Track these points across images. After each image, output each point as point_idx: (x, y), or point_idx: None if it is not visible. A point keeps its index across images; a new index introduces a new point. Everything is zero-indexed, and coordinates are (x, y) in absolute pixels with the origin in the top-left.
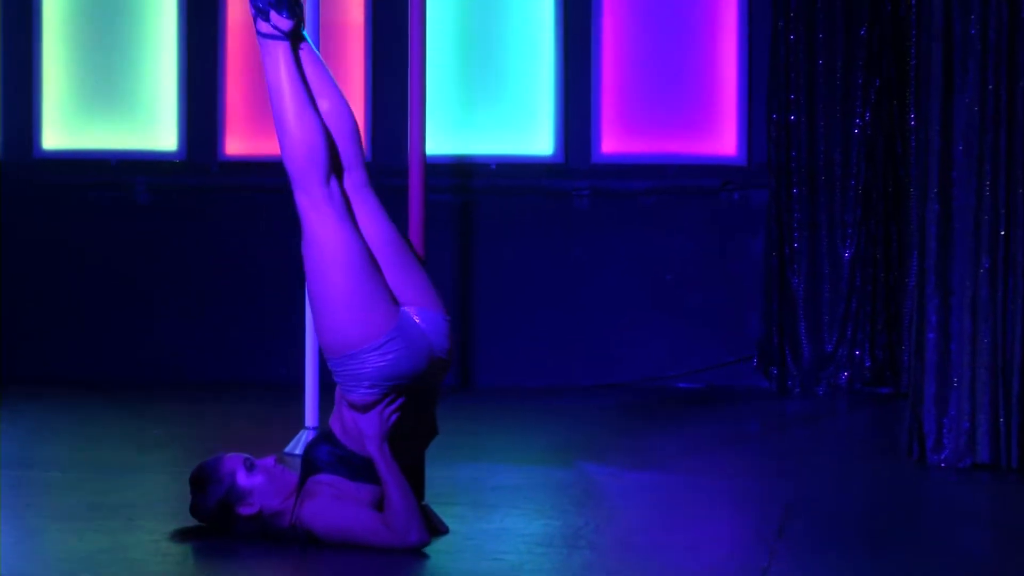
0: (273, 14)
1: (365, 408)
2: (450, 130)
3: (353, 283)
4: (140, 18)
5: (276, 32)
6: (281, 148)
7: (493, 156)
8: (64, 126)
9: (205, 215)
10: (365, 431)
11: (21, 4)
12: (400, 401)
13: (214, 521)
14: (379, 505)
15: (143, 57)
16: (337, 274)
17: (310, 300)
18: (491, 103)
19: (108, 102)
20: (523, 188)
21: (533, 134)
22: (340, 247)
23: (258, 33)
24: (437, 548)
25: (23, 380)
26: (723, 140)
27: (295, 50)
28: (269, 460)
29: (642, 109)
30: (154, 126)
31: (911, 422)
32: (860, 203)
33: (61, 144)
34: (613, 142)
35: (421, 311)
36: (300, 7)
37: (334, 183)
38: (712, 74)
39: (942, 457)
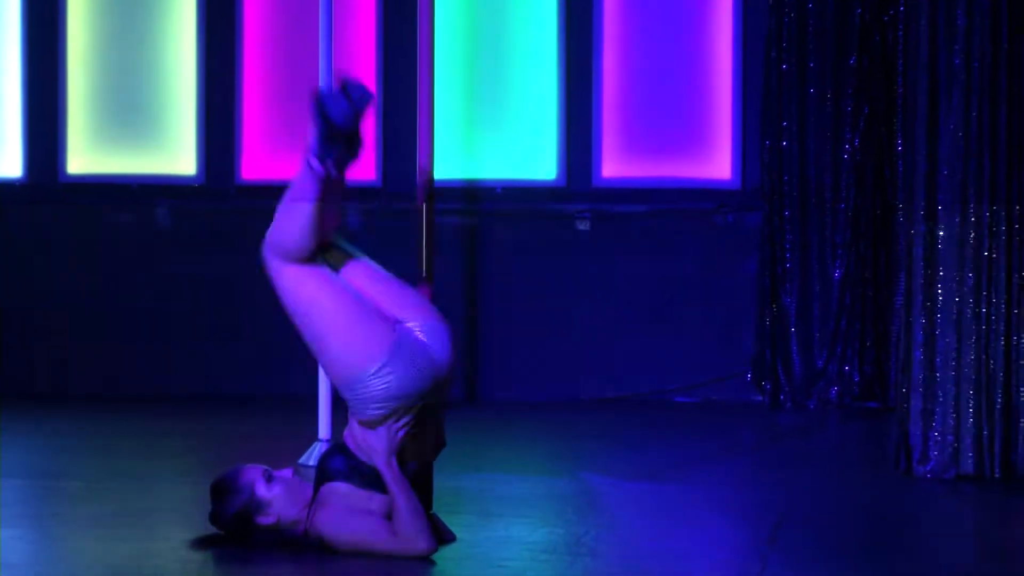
0: (328, 163)
1: (373, 425)
2: (458, 156)
3: (335, 318)
4: (161, 47)
5: (323, 174)
6: (274, 233)
7: (499, 181)
8: (88, 152)
9: (223, 237)
10: (374, 446)
11: (47, 35)
12: (407, 418)
13: (233, 529)
14: (389, 514)
15: (164, 85)
16: (316, 313)
17: (306, 342)
18: (497, 131)
19: (130, 129)
20: (527, 211)
21: (537, 160)
22: (313, 289)
23: (308, 165)
24: (444, 555)
25: (47, 394)
26: (718, 165)
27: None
28: (287, 472)
29: (641, 136)
30: (174, 151)
31: (898, 435)
32: (850, 225)
33: (85, 169)
34: (613, 167)
35: (423, 324)
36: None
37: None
38: (708, 102)
39: (928, 468)
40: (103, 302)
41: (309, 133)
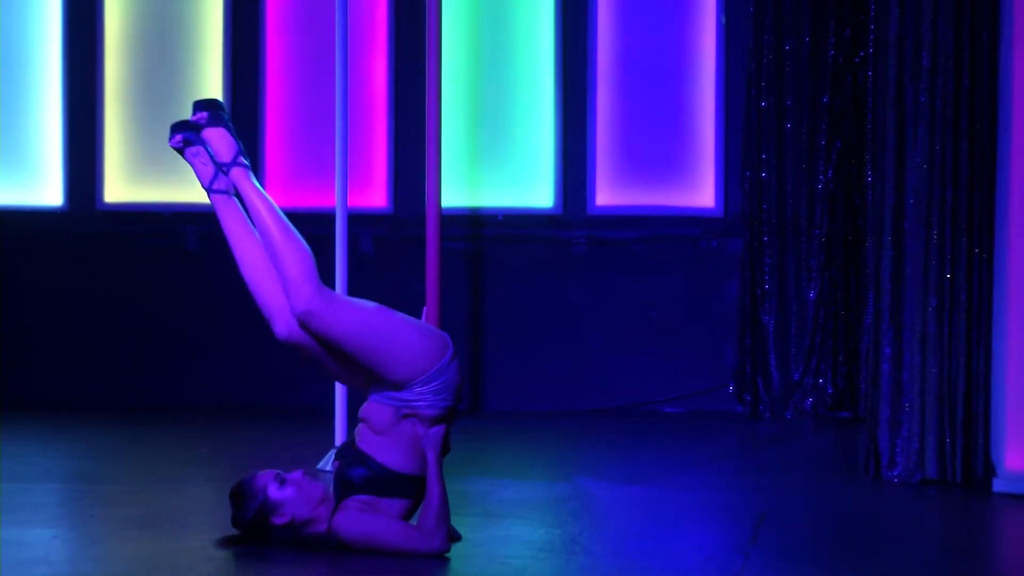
0: (222, 177)
1: (432, 421)
2: (463, 186)
3: (392, 321)
4: (189, 84)
5: (226, 189)
6: (282, 270)
7: (501, 208)
8: (123, 181)
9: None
10: (428, 442)
11: (85, 72)
12: (451, 418)
13: (252, 531)
14: (406, 518)
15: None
16: (373, 325)
17: (366, 363)
18: (499, 162)
19: (162, 160)
20: (527, 237)
21: (536, 189)
22: (361, 316)
23: (216, 188)
24: (452, 553)
25: (85, 406)
26: (703, 195)
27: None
28: (297, 474)
29: (632, 167)
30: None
31: (868, 442)
32: (823, 250)
33: (121, 197)
34: (606, 196)
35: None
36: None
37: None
38: (693, 137)
39: (895, 473)
40: (136, 318)
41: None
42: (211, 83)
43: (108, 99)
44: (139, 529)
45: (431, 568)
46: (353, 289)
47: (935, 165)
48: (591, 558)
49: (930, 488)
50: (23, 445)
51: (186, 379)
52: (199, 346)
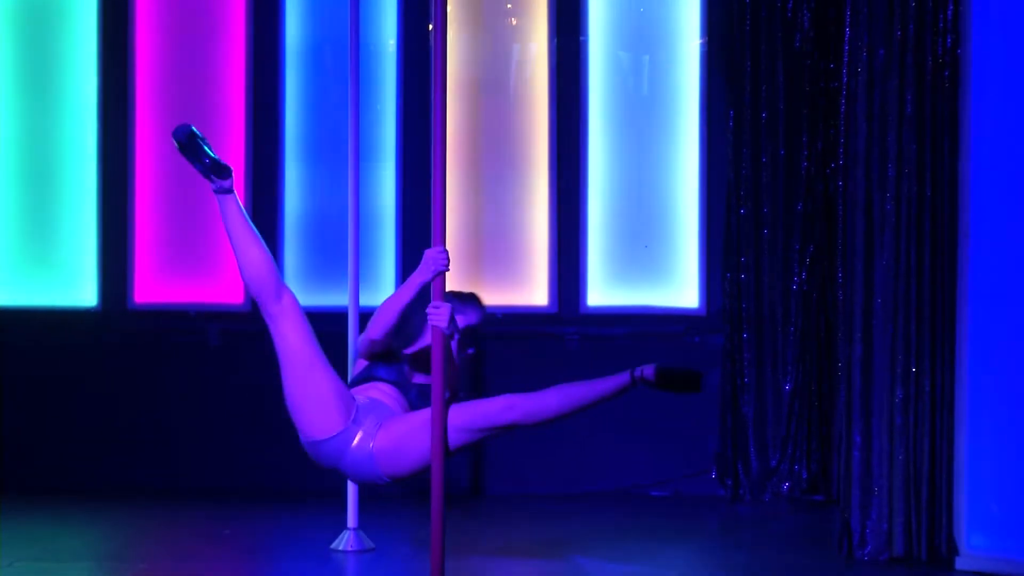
0: (214, 178)
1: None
2: (466, 287)
3: (316, 375)
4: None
5: (223, 187)
6: (243, 274)
7: (500, 307)
8: (153, 282)
9: (264, 353)
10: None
11: (118, 182)
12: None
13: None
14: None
15: (216, 227)
16: (299, 366)
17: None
18: (498, 266)
19: (187, 263)
20: (525, 333)
21: (533, 290)
22: (298, 344)
23: (214, 190)
24: None
25: (114, 490)
26: (687, 294)
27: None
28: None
29: (621, 270)
30: (224, 282)
31: (840, 523)
32: (798, 345)
33: (150, 298)
34: (598, 296)
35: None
36: (227, 169)
37: (286, 295)
38: (677, 241)
39: (866, 552)
40: (163, 409)
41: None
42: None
43: (139, 201)
44: None
45: None
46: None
47: (900, 266)
48: None
49: (898, 566)
50: (56, 527)
51: (209, 464)
52: (221, 434)
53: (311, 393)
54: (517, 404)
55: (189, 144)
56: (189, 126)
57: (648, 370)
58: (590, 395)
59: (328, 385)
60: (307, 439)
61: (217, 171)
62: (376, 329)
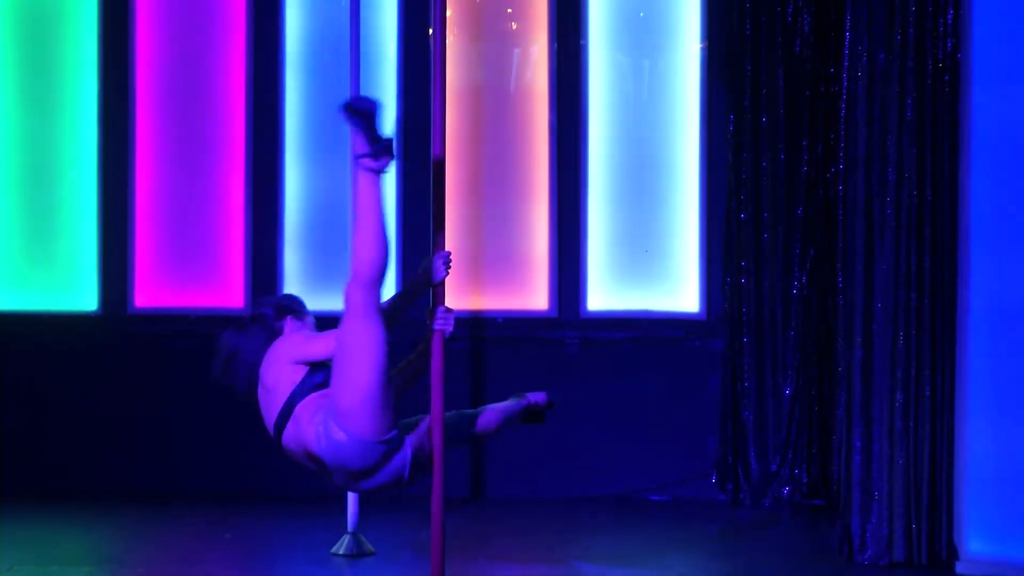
0: (381, 159)
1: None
2: (466, 291)
3: (377, 378)
4: (214, 201)
5: (382, 169)
6: (360, 253)
7: (501, 311)
8: (153, 287)
9: None
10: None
11: (118, 186)
12: None
13: None
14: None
15: (216, 232)
16: (381, 363)
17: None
18: (499, 270)
19: (187, 268)
20: (525, 337)
21: (533, 294)
22: (383, 340)
23: (364, 167)
24: None
25: (116, 493)
26: (687, 299)
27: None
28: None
29: (621, 274)
30: (223, 287)
31: (841, 528)
32: (798, 349)
33: (150, 302)
34: (598, 300)
35: None
36: (393, 153)
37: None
38: (677, 245)
39: (866, 556)
40: (163, 412)
41: (354, 143)
42: (234, 192)
43: (139, 206)
44: None
45: None
46: None
47: (900, 271)
48: None
49: (898, 570)
50: (56, 530)
51: (209, 468)
52: (221, 438)
53: (385, 394)
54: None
55: (371, 118)
56: (376, 100)
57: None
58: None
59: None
60: (366, 439)
61: (388, 152)
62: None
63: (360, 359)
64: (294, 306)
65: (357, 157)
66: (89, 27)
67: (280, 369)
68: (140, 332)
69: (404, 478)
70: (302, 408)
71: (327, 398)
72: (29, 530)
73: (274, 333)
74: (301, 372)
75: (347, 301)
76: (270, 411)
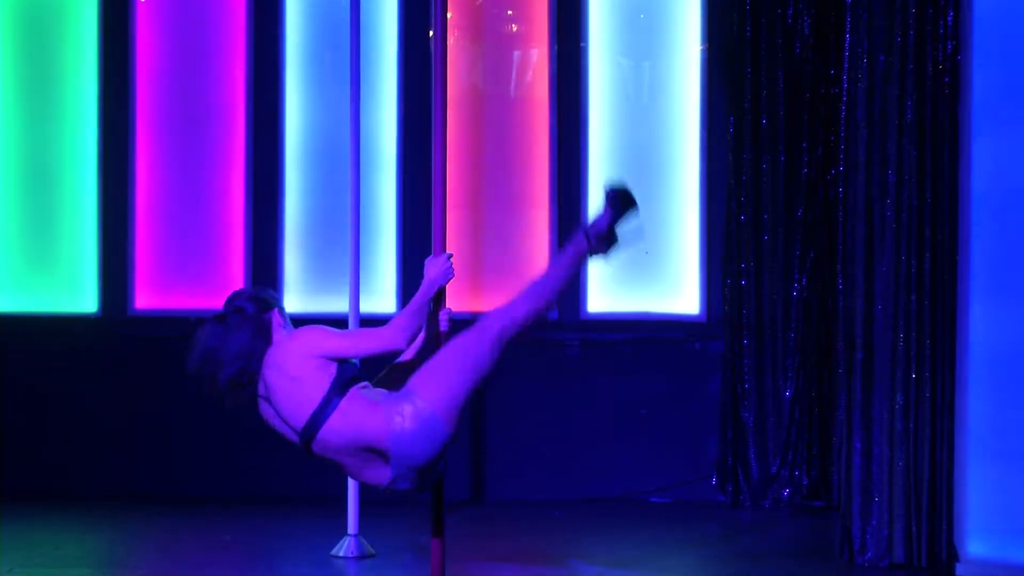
0: (605, 248)
1: None
2: (468, 296)
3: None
4: (213, 202)
5: (593, 253)
6: (529, 298)
7: None
8: (153, 289)
9: None
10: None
11: (118, 188)
12: None
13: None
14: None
15: (216, 234)
16: (470, 382)
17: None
18: (499, 271)
19: (187, 270)
20: (525, 338)
21: None
22: (487, 365)
23: (587, 246)
24: None
25: (115, 496)
26: (687, 301)
27: None
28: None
29: (622, 276)
30: (223, 289)
31: (841, 529)
32: (798, 351)
33: (150, 304)
34: (598, 302)
35: None
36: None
37: None
38: (677, 247)
39: (866, 558)
40: (163, 414)
41: (597, 219)
42: (232, 199)
43: (139, 207)
44: None
45: None
46: None
47: (901, 273)
48: None
49: (898, 572)
50: (56, 533)
51: (209, 470)
52: (221, 440)
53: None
54: (506, 312)
55: (627, 214)
56: (637, 202)
57: (599, 221)
58: (556, 274)
59: None
60: (440, 434)
61: (611, 247)
62: (403, 337)
63: (470, 374)
64: (275, 299)
65: (588, 232)
66: (89, 28)
67: (304, 363)
68: (140, 334)
69: (441, 470)
70: (349, 402)
71: (377, 391)
72: (29, 532)
73: (263, 327)
74: (332, 367)
75: (490, 322)
76: (297, 406)
